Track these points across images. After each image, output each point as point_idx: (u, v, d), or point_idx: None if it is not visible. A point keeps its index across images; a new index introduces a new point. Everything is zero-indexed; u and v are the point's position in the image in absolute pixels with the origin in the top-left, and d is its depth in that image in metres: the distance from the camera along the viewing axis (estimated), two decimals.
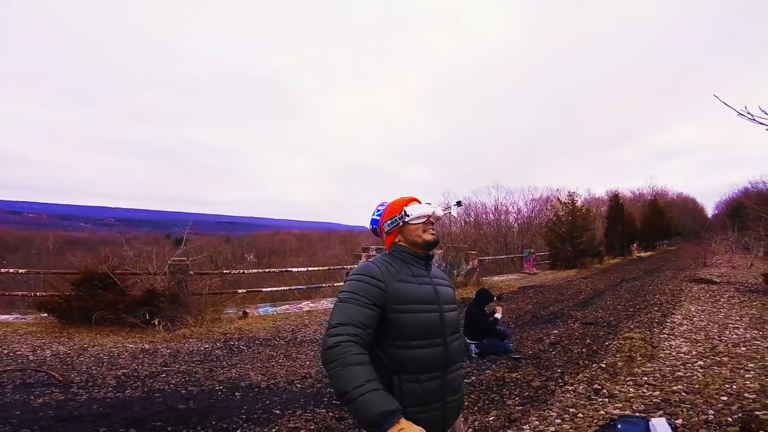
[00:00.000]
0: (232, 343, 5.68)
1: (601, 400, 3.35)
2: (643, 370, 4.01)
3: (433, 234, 1.54)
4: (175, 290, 6.61)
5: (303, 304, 9.35)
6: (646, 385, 3.60)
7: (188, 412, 3.35)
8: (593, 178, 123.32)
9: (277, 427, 3.12)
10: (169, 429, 3.05)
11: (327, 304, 9.11)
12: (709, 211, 63.68)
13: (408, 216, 1.52)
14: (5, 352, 4.78)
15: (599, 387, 3.63)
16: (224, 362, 4.82)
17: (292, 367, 4.65)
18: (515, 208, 30.06)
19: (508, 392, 3.69)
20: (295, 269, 13.48)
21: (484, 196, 31.82)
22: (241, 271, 11.12)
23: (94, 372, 4.26)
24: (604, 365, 4.27)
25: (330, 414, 3.35)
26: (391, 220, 1.55)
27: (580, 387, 3.68)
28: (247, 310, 7.86)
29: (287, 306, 9.00)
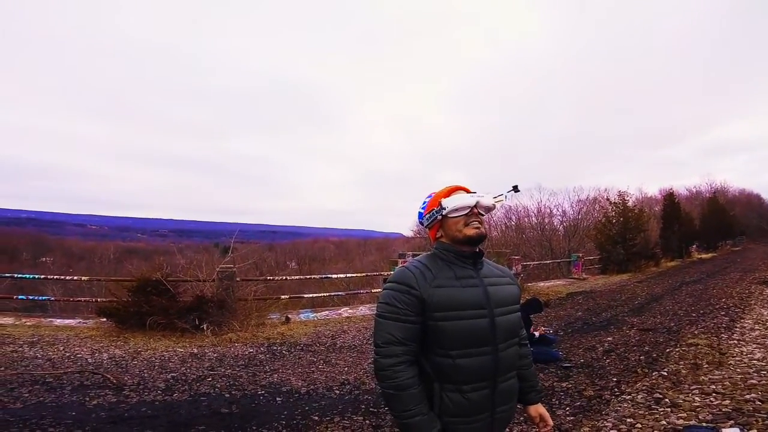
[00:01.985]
0: (275, 348, 5.78)
1: (662, 409, 3.08)
2: (710, 378, 3.67)
3: (476, 228, 1.32)
4: (222, 296, 6.85)
5: (342, 310, 9.41)
6: (714, 394, 3.28)
7: (231, 417, 3.41)
8: (644, 176, 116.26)
9: None
10: None
11: (365, 310, 9.11)
12: None
13: (444, 209, 1.34)
14: (67, 354, 5.11)
15: (660, 396, 3.35)
16: (267, 367, 4.90)
17: (331, 373, 4.64)
18: (560, 210, 28.88)
19: (557, 402, 3.48)
20: (334, 275, 13.66)
21: (526, 198, 30.82)
22: (284, 277, 11.40)
23: (145, 375, 4.45)
24: (665, 373, 3.95)
25: (367, 422, 3.29)
26: (429, 214, 1.40)
27: (639, 396, 3.41)
28: (290, 316, 8.00)
29: (327, 312, 9.08)
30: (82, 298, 7.90)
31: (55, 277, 11.51)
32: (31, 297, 8.91)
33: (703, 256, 27.02)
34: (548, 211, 28.82)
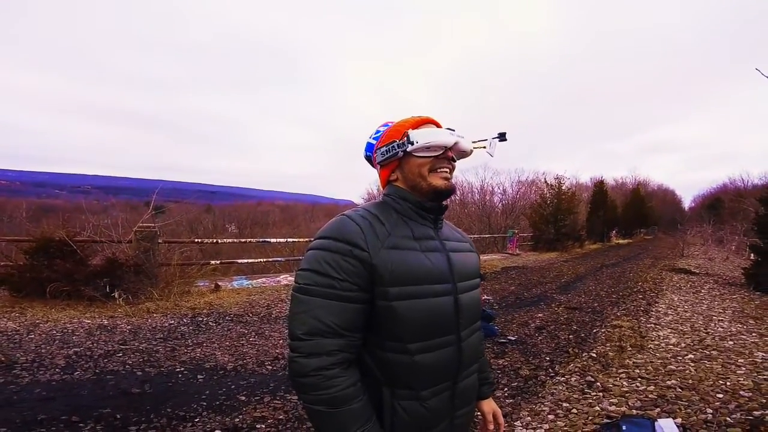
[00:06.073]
0: (200, 318, 5.32)
1: (595, 394, 3.13)
2: (634, 362, 3.84)
3: (446, 177, 1.00)
4: (140, 259, 6.14)
5: (281, 277, 9.00)
6: (639, 379, 3.41)
7: (142, 397, 3.00)
8: (581, 166, 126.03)
9: (241, 416, 2.80)
10: (118, 416, 2.69)
11: None
12: (686, 203, 65.96)
13: (412, 143, 0.97)
14: None
15: (592, 379, 3.42)
16: (189, 340, 4.46)
17: (263, 347, 4.32)
18: (501, 188, 30.17)
19: (495, 382, 3.46)
20: (274, 240, 12.84)
21: (471, 175, 31.85)
22: (215, 240, 10.48)
23: (42, 351, 3.84)
24: (594, 355, 4.09)
25: (301, 401, 3.05)
26: (387, 146, 1.02)
27: (572, 378, 3.47)
28: (220, 283, 7.47)
29: (264, 279, 8.64)
30: None
31: None
32: None
33: (621, 241, 29.71)
34: (490, 188, 30.01)
